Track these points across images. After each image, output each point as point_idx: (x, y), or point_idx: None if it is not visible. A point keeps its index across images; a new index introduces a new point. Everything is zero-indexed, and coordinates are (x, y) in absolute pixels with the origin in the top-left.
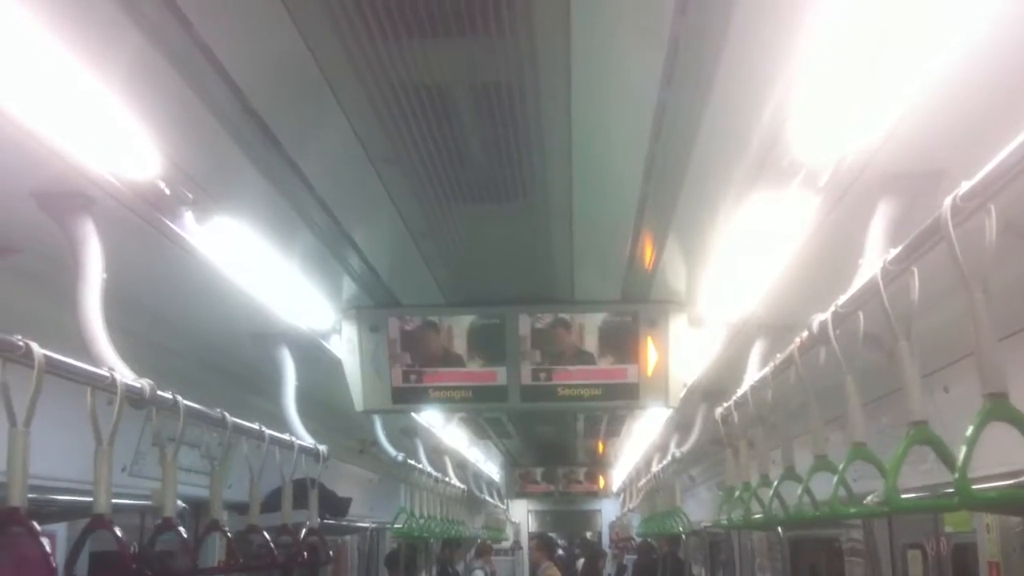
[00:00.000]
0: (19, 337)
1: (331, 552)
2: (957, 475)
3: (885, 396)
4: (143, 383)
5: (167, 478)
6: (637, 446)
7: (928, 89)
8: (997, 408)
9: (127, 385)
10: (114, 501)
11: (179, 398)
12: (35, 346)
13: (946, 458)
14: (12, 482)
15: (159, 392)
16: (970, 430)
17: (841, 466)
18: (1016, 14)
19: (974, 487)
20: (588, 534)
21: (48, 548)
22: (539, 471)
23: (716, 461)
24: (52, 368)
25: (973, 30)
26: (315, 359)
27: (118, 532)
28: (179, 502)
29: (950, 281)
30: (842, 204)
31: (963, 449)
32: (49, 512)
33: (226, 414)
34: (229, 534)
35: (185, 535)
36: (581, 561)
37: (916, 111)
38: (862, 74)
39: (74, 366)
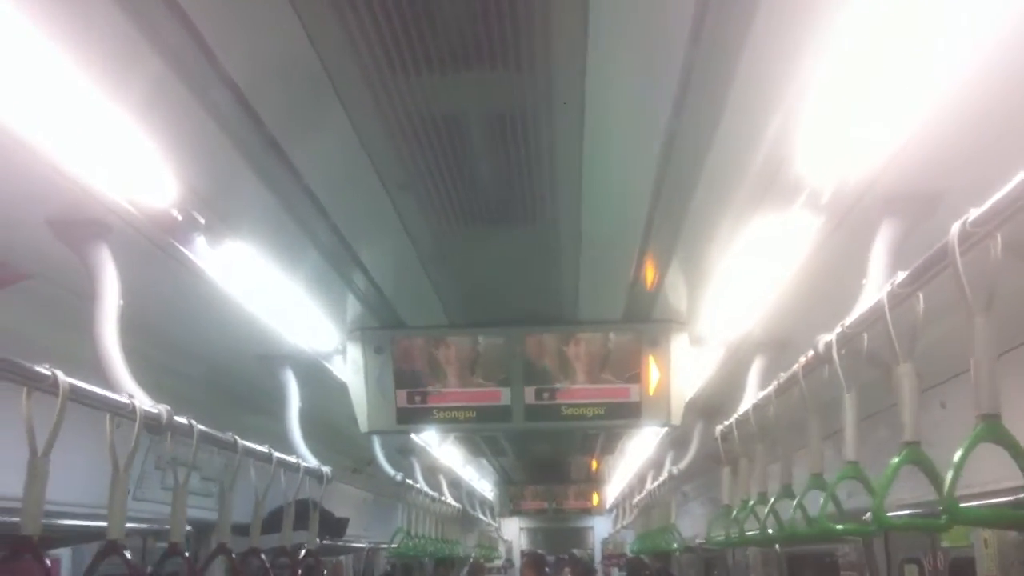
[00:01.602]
0: (46, 366)
1: (326, 573)
2: (945, 495)
3: (879, 412)
4: (160, 409)
5: (177, 504)
6: (632, 463)
7: (929, 114)
8: (989, 429)
9: (145, 412)
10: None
11: (194, 423)
12: (60, 374)
13: (934, 479)
14: (27, 511)
15: (176, 418)
16: (960, 451)
17: (832, 484)
18: (1016, 41)
19: (967, 504)
20: (575, 550)
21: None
22: (533, 489)
23: (710, 477)
24: (76, 396)
25: (974, 56)
26: (316, 379)
27: (128, 557)
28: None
29: (949, 298)
30: (843, 226)
31: (951, 470)
32: (55, 536)
33: (237, 438)
34: (235, 557)
35: (190, 560)
36: None
37: (918, 135)
38: (865, 100)
39: (97, 394)
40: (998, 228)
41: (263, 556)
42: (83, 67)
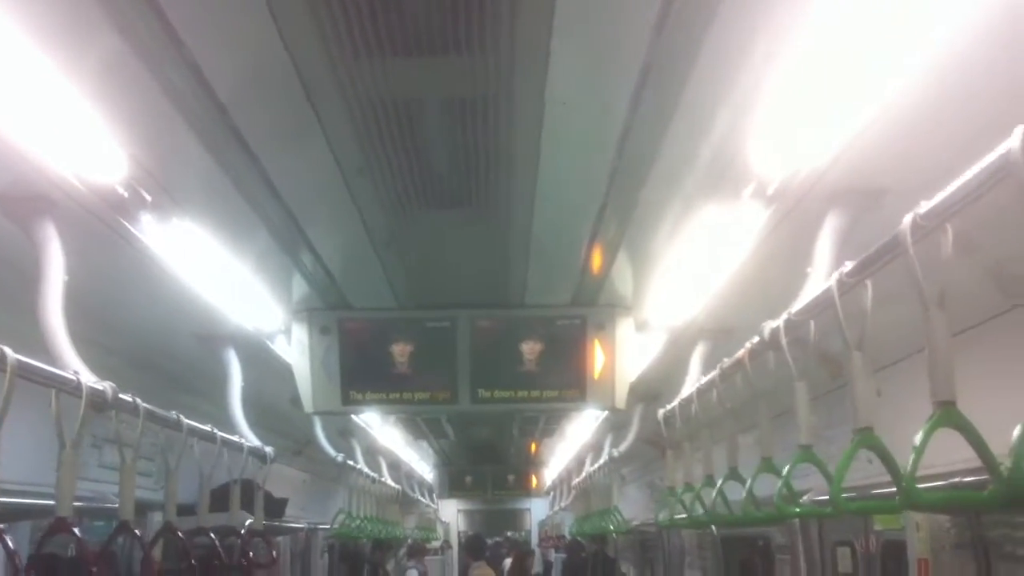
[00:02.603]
0: None
1: (274, 553)
2: (906, 480)
3: (827, 393)
4: (105, 386)
5: (125, 483)
6: (571, 446)
7: (875, 112)
8: (946, 415)
9: (91, 388)
10: (49, 503)
11: (139, 401)
12: (8, 351)
13: (889, 463)
14: None
15: (120, 395)
16: (919, 436)
17: (786, 469)
18: (958, 43)
19: (930, 485)
20: (509, 533)
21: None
22: (472, 471)
23: (647, 461)
24: (23, 373)
25: (917, 58)
26: (258, 360)
27: (78, 534)
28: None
29: (887, 289)
30: (790, 218)
31: (912, 454)
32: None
33: (182, 417)
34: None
35: (140, 539)
36: (508, 561)
37: (864, 132)
38: (814, 97)
39: (44, 370)
40: (949, 220)
41: (212, 535)
42: (33, 38)
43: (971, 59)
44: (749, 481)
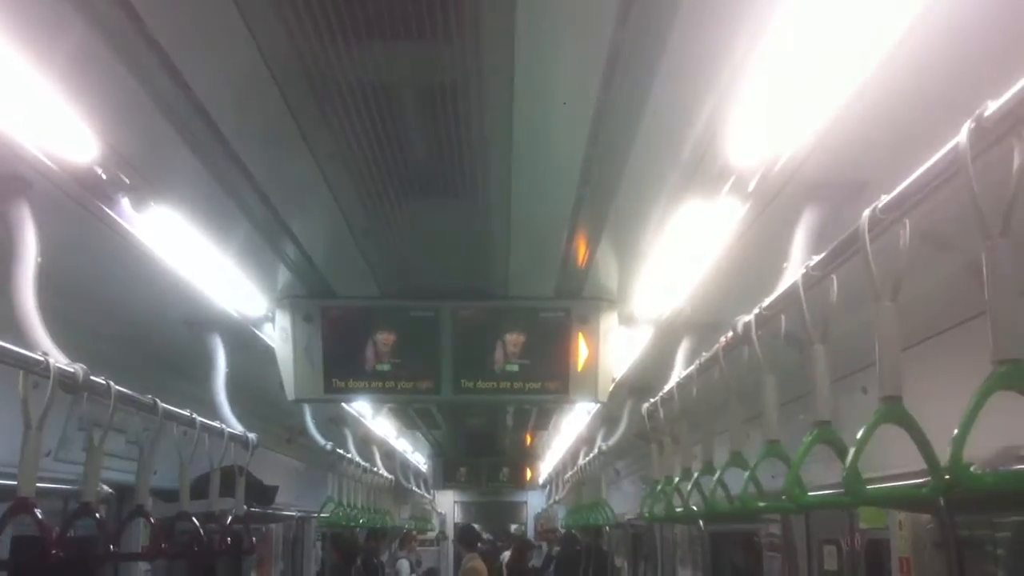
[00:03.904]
0: None
1: (255, 540)
2: (846, 472)
3: (805, 395)
4: (76, 368)
5: (91, 463)
6: (565, 439)
7: (853, 103)
8: (891, 411)
9: (60, 369)
10: (38, 485)
11: (112, 384)
12: None
13: (844, 457)
14: None
15: (92, 377)
16: (862, 431)
17: (753, 462)
18: (936, 32)
19: (876, 484)
20: (514, 527)
21: None
22: (467, 462)
23: (640, 455)
24: None
25: (899, 47)
26: (246, 347)
27: (39, 515)
28: (105, 487)
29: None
30: (769, 210)
31: (853, 448)
32: None
33: (157, 400)
34: (153, 520)
35: (102, 520)
36: (507, 554)
37: (842, 124)
38: (792, 87)
39: (8, 349)
40: (907, 213)
41: (194, 519)
42: (6, 23)
43: (952, 47)
44: (718, 473)
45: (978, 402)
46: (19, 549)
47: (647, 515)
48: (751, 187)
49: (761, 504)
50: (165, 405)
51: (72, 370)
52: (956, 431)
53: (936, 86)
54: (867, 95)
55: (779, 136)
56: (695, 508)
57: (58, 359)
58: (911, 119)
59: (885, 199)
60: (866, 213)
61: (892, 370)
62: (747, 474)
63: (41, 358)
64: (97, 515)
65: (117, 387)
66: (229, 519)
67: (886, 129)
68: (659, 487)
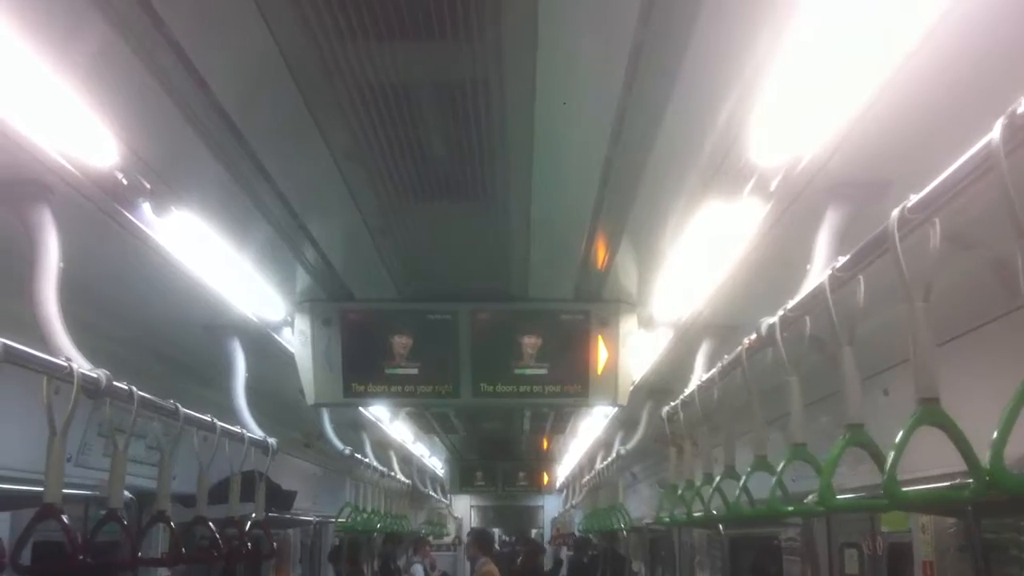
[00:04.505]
0: None
1: (275, 545)
2: (886, 477)
3: (827, 396)
4: (99, 373)
5: (116, 469)
6: (582, 443)
7: (878, 102)
8: (928, 413)
9: (83, 375)
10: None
11: (134, 389)
12: None
13: (879, 460)
14: None
15: (115, 383)
16: (900, 434)
17: (780, 466)
18: (962, 28)
19: (914, 488)
20: (534, 532)
21: None
22: (483, 466)
23: (658, 459)
24: (11, 358)
25: (923, 45)
26: (264, 351)
27: (66, 521)
28: (126, 493)
29: (891, 285)
30: (791, 210)
31: (892, 452)
32: None
33: (179, 405)
34: (173, 525)
35: (128, 526)
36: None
37: (865, 122)
38: (815, 84)
39: (32, 355)
40: (936, 213)
41: (211, 525)
42: (27, 27)
43: (978, 43)
44: (744, 478)
45: (1017, 404)
46: (39, 554)
47: (666, 519)
48: (773, 187)
49: (790, 508)
50: (187, 411)
51: (95, 375)
52: (996, 432)
53: (961, 83)
54: (891, 93)
55: (801, 135)
56: (715, 512)
57: (81, 365)
58: (936, 117)
59: (915, 198)
60: (895, 213)
61: (928, 372)
62: (775, 478)
63: (65, 364)
64: (124, 522)
65: (139, 392)
66: (248, 524)
67: (910, 127)
68: (679, 491)
